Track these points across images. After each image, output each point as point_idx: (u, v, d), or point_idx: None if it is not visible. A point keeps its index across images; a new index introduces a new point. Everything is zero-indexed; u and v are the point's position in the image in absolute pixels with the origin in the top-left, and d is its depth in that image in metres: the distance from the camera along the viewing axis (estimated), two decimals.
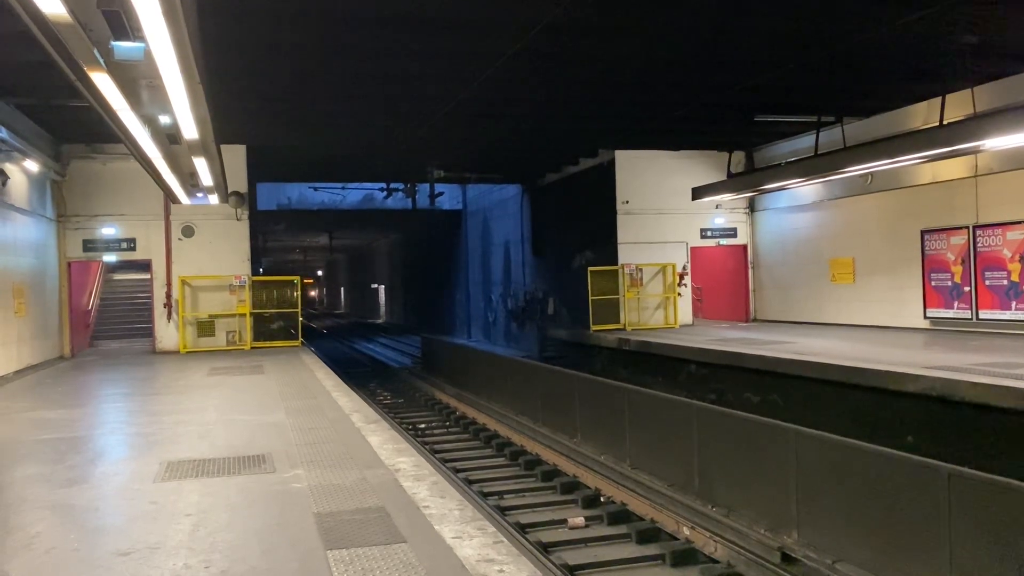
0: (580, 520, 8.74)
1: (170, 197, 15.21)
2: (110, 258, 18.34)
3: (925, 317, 15.82)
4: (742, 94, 14.29)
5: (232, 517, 5.18)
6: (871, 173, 15.63)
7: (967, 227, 14.85)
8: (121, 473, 6.69)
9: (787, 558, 6.90)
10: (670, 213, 20.44)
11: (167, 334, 17.91)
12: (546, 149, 21.41)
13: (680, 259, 20.57)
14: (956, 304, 15.17)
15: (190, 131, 8.99)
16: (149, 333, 18.72)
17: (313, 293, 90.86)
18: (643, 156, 20.33)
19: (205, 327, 17.99)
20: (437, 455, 12.25)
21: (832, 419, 10.82)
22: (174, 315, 17.81)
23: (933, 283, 15.68)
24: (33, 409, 10.34)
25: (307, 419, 8.81)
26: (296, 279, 19.91)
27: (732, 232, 21.18)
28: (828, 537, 6.73)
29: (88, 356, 17.98)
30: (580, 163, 22.30)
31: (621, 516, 8.76)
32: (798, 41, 11.60)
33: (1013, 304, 14.06)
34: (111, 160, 17.19)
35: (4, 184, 13.56)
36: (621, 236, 20.33)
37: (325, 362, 15.67)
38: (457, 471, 11.18)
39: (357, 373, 23.34)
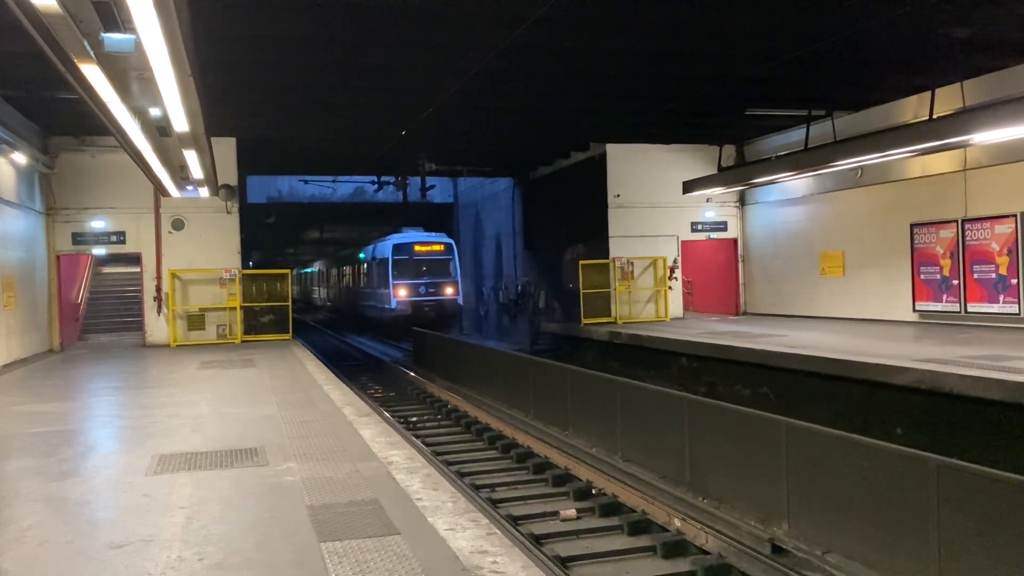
0: (572, 512, 8.77)
1: (160, 190, 15.15)
2: (100, 251, 18.26)
3: (914, 310, 15.92)
4: (733, 88, 14.31)
5: (225, 510, 5.19)
6: (861, 167, 15.71)
7: (956, 221, 14.94)
8: (113, 466, 6.68)
9: (778, 549, 6.95)
10: (661, 207, 20.49)
11: (157, 327, 17.85)
12: (537, 143, 21.41)
13: (671, 253, 20.62)
14: (945, 297, 15.27)
15: (180, 124, 8.95)
16: (139, 327, 18.64)
17: (449, 292, 31.97)
18: (634, 150, 20.37)
19: (195, 321, 17.95)
20: (429, 448, 12.26)
21: (822, 411, 10.89)
22: (164, 308, 17.75)
23: (922, 276, 15.77)
24: (23, 403, 10.30)
25: (299, 412, 8.81)
26: (287, 272, 19.86)
27: (723, 226, 21.25)
28: (818, 528, 6.78)
29: (78, 350, 17.90)
30: (571, 157, 22.31)
31: (613, 508, 8.78)
32: (788, 35, 11.62)
33: (1001, 297, 14.17)
34: (101, 153, 17.09)
35: None
36: (612, 230, 20.37)
37: (316, 356, 15.65)
38: (449, 464, 11.19)
39: (348, 366, 23.30)
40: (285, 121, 17.26)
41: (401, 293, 27.61)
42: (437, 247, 28.73)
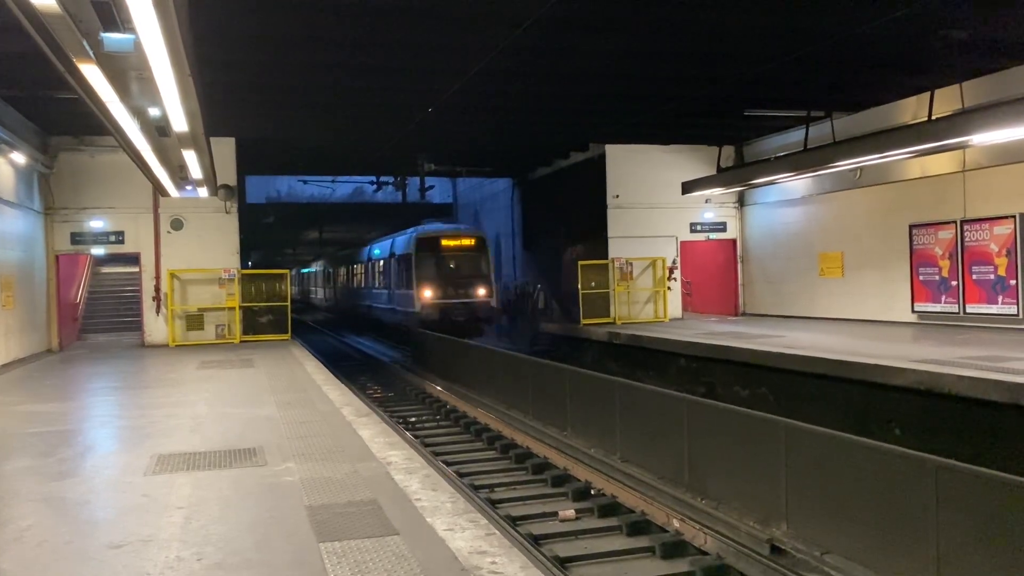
0: (571, 512, 8.77)
1: (159, 190, 15.14)
2: (98, 251, 18.25)
3: (913, 311, 15.92)
4: (732, 89, 14.32)
5: (224, 510, 5.19)
6: (860, 168, 15.71)
7: (955, 222, 14.95)
8: (112, 466, 6.67)
9: (776, 550, 6.94)
10: (660, 207, 20.50)
11: (156, 328, 17.84)
12: (537, 143, 21.42)
13: (670, 253, 20.62)
14: (943, 298, 15.27)
15: (180, 124, 8.95)
16: (138, 327, 18.63)
17: (482, 294, 24.14)
18: (633, 150, 20.38)
19: (194, 321, 17.94)
20: (428, 448, 12.25)
21: (821, 412, 10.89)
22: (163, 308, 17.74)
23: (921, 277, 15.77)
24: (22, 402, 10.29)
25: (298, 412, 8.80)
26: (286, 272, 19.85)
27: (722, 226, 21.25)
28: (817, 529, 6.78)
29: (76, 350, 17.88)
30: (571, 157, 22.32)
31: (611, 508, 8.78)
32: (788, 36, 11.62)
33: (1000, 298, 14.17)
34: (100, 153, 17.08)
35: None
36: (611, 230, 20.38)
37: (315, 356, 15.65)
38: (448, 464, 11.18)
39: (347, 367, 23.28)
40: (285, 121, 17.25)
41: (427, 295, 23.19)
42: (467, 241, 24.17)
